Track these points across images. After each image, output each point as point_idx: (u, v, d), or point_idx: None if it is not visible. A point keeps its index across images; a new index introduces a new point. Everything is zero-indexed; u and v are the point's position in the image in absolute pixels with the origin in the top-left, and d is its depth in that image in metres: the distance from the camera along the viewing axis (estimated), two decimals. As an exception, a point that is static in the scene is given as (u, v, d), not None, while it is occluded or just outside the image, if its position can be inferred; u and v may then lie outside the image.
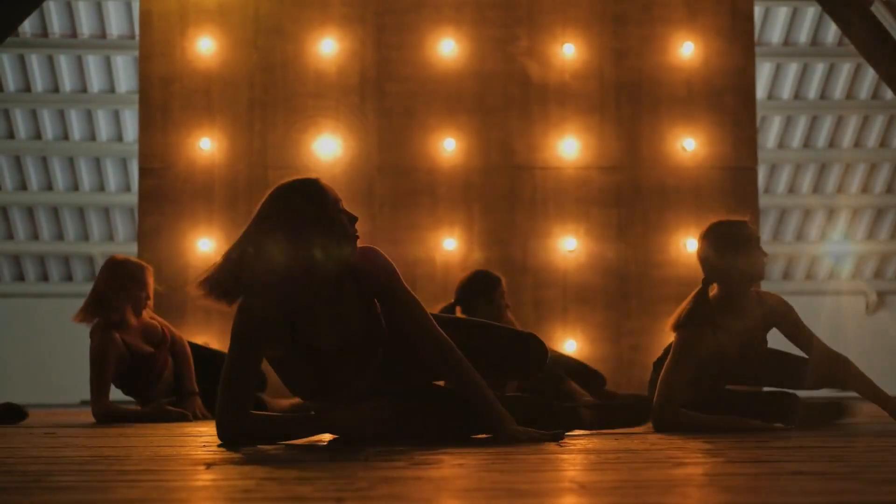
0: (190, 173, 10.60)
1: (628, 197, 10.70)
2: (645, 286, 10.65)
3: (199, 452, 3.62)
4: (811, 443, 3.93)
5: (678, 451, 3.49)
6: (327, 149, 10.67)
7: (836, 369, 5.08)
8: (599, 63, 10.82)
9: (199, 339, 10.36)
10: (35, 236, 16.09)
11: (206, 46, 10.69)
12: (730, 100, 10.84)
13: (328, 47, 10.73)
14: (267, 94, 10.71)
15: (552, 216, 10.59)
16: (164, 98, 10.66)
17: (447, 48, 10.77)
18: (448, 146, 10.63)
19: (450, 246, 10.53)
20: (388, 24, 10.79)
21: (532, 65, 10.73)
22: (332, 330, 4.22)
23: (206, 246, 10.52)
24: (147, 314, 7.45)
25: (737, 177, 10.77)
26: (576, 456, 3.32)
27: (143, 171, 10.68)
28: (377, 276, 4.28)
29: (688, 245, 10.65)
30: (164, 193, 10.61)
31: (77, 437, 4.62)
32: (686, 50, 10.81)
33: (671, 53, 10.83)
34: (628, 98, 10.80)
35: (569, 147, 10.72)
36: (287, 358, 4.21)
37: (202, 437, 4.72)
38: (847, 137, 15.56)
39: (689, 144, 10.73)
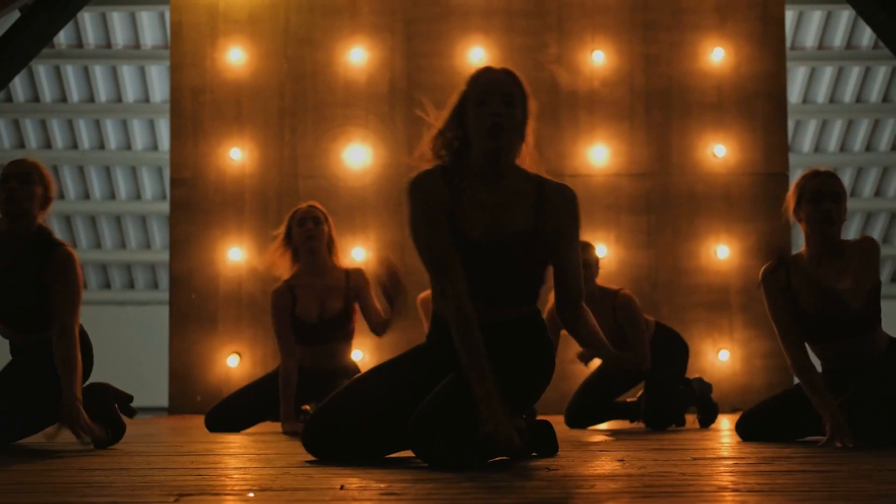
0: (220, 183, 10.65)
1: (658, 204, 10.66)
2: (675, 293, 10.60)
3: (188, 478, 3.64)
4: (831, 466, 3.92)
5: (681, 477, 3.48)
6: (357, 158, 10.69)
7: None
8: (629, 70, 10.79)
9: (229, 349, 10.42)
10: (73, 245, 16.21)
11: (236, 57, 10.74)
12: (761, 105, 10.78)
13: (358, 56, 10.75)
14: (297, 103, 10.74)
15: (582, 223, 10.53)
16: (195, 108, 10.71)
17: (476, 56, 10.77)
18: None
19: (479, 254, 10.51)
20: (418, 32, 10.81)
21: (561, 72, 10.72)
22: (483, 220, 4.16)
23: (236, 255, 10.56)
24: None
25: (768, 183, 10.70)
26: (572, 480, 3.33)
27: (175, 181, 10.74)
28: (567, 209, 4.23)
29: (718, 252, 10.59)
30: (195, 203, 10.66)
31: (82, 458, 4.64)
32: (716, 56, 10.76)
33: (701, 59, 10.78)
34: (658, 104, 10.76)
35: (598, 154, 10.69)
36: None
37: (203, 456, 4.74)
38: (884, 141, 15.44)
39: (719, 151, 10.68)
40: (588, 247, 7.40)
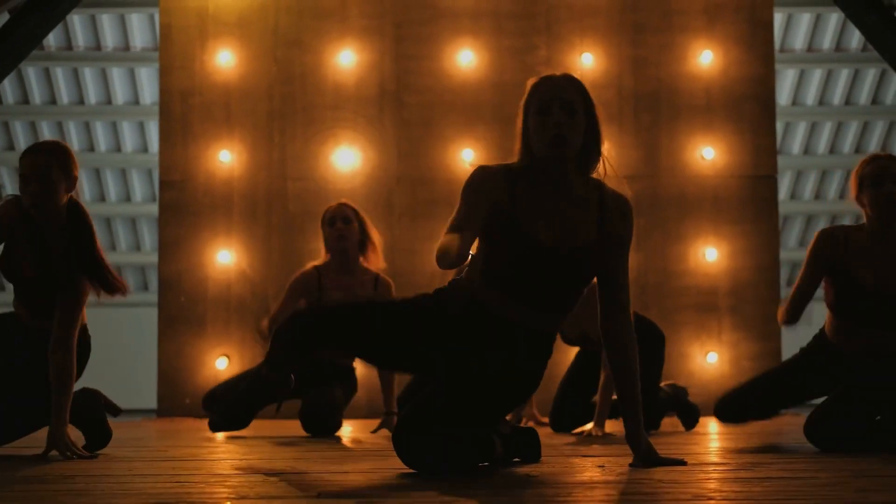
0: (209, 185, 10.65)
1: (647, 206, 10.66)
2: (664, 296, 10.62)
3: (167, 485, 3.65)
4: (810, 473, 3.93)
5: (658, 485, 3.49)
6: (346, 160, 10.70)
7: None
8: (618, 72, 10.80)
9: (218, 351, 10.41)
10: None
11: (225, 59, 10.74)
12: (749, 108, 10.79)
13: (347, 59, 10.75)
14: (286, 105, 10.74)
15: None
16: (184, 111, 10.71)
17: (465, 59, 10.78)
18: (466, 157, 10.63)
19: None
20: (407, 35, 10.81)
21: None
22: (553, 227, 4.13)
23: (225, 258, 10.55)
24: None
25: (756, 185, 10.72)
26: (551, 488, 3.34)
27: (164, 184, 10.73)
28: (624, 221, 4.21)
29: (707, 254, 10.61)
30: (184, 205, 10.66)
31: (65, 464, 4.64)
32: (705, 58, 10.77)
33: (690, 62, 10.80)
34: (647, 107, 10.77)
35: (587, 157, 10.68)
36: (500, 238, 4.11)
37: (181, 462, 4.75)
38: (873, 143, 15.44)
39: (708, 153, 10.69)
40: None
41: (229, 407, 6.68)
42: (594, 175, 4.22)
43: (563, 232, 4.10)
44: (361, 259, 7.30)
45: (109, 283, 5.12)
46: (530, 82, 4.21)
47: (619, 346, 4.22)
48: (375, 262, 7.31)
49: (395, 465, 4.08)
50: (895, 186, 5.29)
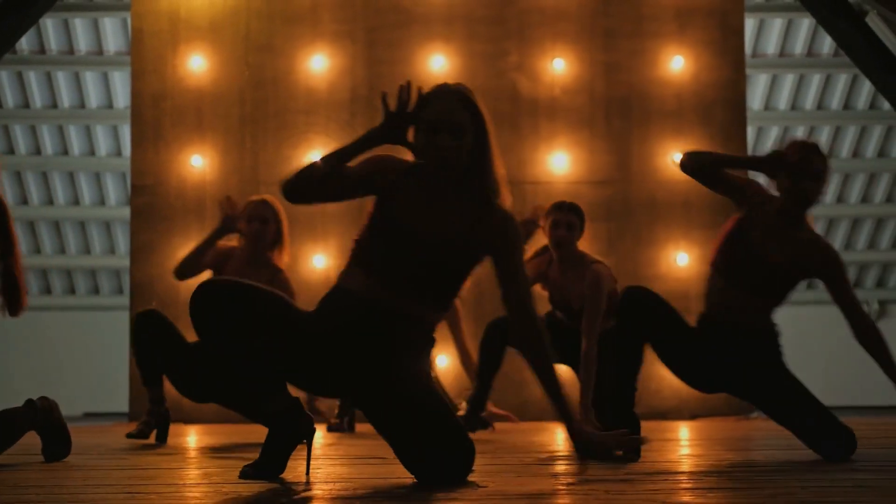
0: (181, 190, 10.66)
1: (618, 211, 10.70)
2: (635, 300, 10.63)
3: (118, 496, 3.66)
4: (754, 483, 3.95)
5: (604, 496, 3.52)
6: (318, 165, 10.69)
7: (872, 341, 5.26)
8: (590, 77, 10.83)
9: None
10: (37, 251, 16.14)
11: (197, 64, 10.75)
12: (720, 113, 10.84)
13: (319, 64, 10.77)
14: (258, 110, 10.76)
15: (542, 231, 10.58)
16: (156, 115, 10.72)
17: (437, 64, 10.81)
18: (438, 161, 10.65)
19: (439, 262, 10.52)
20: (379, 40, 10.83)
21: (522, 80, 10.76)
22: (423, 222, 4.11)
23: (197, 263, 10.54)
24: None
25: (727, 190, 10.75)
26: (494, 501, 3.35)
27: (136, 188, 10.74)
28: (502, 229, 4.12)
29: (678, 259, 10.64)
30: (156, 210, 10.67)
31: (19, 473, 4.65)
32: (676, 64, 10.81)
33: (661, 67, 10.83)
34: (618, 112, 10.80)
35: (559, 162, 10.74)
36: (375, 221, 4.13)
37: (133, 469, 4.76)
38: (845, 148, 15.50)
39: (678, 158, 10.71)
40: (573, 208, 7.33)
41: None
42: (501, 191, 4.20)
43: (432, 228, 4.08)
44: (271, 254, 7.38)
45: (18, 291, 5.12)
46: (426, 91, 4.17)
47: (525, 339, 4.14)
48: (278, 259, 7.40)
49: (347, 475, 4.09)
50: (813, 183, 5.31)
